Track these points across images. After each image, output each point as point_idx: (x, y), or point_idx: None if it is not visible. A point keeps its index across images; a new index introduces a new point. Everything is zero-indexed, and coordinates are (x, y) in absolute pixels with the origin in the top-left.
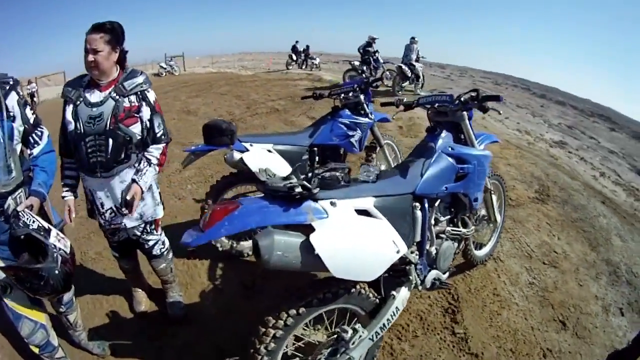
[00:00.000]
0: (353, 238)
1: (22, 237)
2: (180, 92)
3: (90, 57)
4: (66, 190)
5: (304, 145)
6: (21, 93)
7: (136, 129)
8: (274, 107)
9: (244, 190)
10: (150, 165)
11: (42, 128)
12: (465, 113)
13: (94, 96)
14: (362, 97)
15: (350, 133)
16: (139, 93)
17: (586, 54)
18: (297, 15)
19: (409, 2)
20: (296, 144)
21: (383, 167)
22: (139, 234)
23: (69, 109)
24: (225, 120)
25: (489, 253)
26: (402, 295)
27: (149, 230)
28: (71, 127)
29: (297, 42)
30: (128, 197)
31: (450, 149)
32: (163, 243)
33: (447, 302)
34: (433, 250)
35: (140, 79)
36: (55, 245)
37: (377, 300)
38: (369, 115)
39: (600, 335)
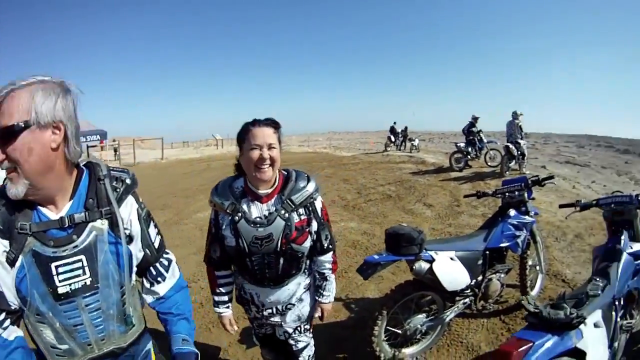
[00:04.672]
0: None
1: None
2: None
3: (266, 153)
4: (224, 307)
5: (480, 250)
6: (141, 200)
7: (307, 243)
8: (385, 193)
9: (418, 298)
10: (327, 280)
11: (169, 254)
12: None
13: (255, 210)
14: (525, 194)
15: (518, 233)
16: (308, 205)
17: None
18: (389, 93)
19: (495, 75)
20: (472, 249)
21: (530, 263)
22: (290, 331)
23: (225, 221)
24: (414, 228)
25: None
26: None
27: (301, 330)
28: (231, 242)
29: (394, 122)
30: (316, 315)
31: (630, 247)
32: (311, 348)
33: None
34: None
35: (310, 188)
36: None
37: None
38: (530, 213)
39: None
